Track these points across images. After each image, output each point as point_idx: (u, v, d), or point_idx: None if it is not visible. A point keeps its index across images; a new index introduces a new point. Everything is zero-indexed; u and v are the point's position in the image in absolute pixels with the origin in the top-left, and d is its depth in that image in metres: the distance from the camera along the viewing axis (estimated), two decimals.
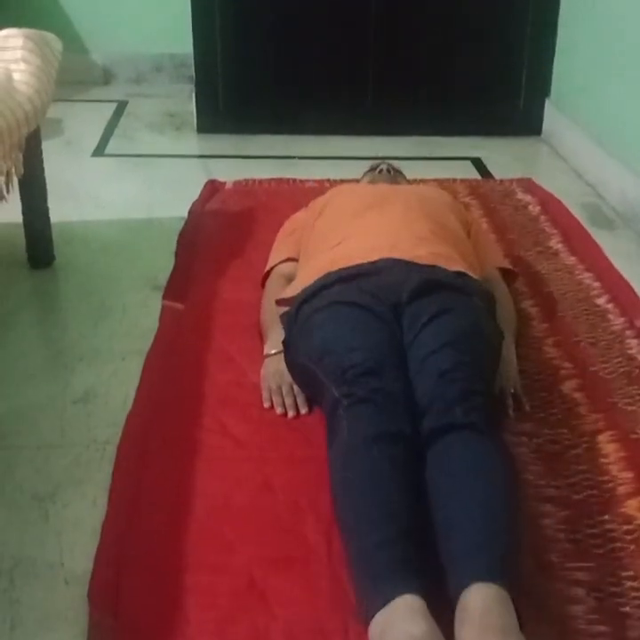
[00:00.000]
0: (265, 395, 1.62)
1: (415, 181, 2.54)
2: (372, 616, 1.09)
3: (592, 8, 2.85)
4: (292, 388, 1.61)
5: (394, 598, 1.08)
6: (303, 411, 1.59)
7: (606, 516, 1.37)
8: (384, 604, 1.09)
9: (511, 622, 1.07)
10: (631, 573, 1.26)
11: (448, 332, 1.46)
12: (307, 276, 1.68)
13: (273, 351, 1.68)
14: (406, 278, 1.55)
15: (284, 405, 1.59)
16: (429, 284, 1.54)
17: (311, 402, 1.60)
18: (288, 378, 1.63)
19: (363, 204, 1.85)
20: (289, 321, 1.63)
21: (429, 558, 1.18)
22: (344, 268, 1.62)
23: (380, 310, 1.50)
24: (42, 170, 2.12)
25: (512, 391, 1.61)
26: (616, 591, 1.23)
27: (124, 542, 1.30)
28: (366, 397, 1.35)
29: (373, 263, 1.61)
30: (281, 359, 1.65)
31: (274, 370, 1.65)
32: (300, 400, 1.60)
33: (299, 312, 1.60)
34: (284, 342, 1.63)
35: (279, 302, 1.74)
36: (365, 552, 1.18)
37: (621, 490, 1.42)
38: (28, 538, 1.33)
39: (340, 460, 1.31)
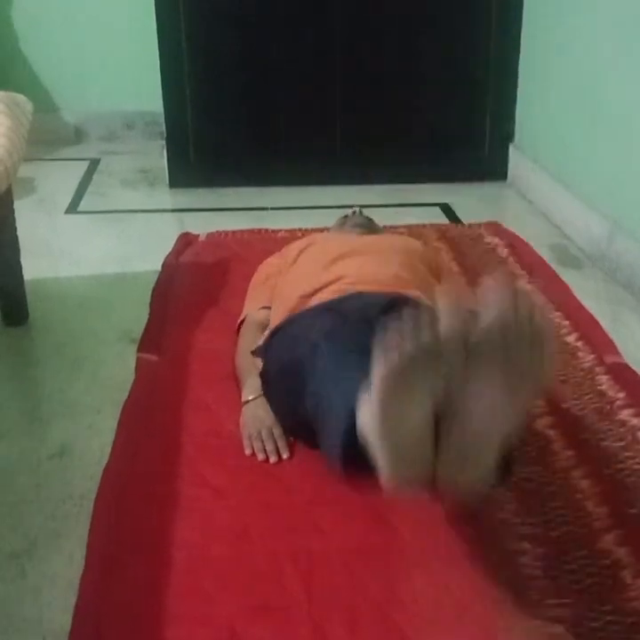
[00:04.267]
0: (246, 442, 1.62)
1: (386, 228, 2.59)
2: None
3: (552, 53, 2.94)
4: (273, 433, 1.62)
5: None
6: (285, 455, 1.59)
7: (583, 552, 1.37)
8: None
9: None
10: (610, 608, 1.27)
11: None
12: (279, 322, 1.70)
13: (250, 397, 1.70)
14: (375, 300, 1.57)
15: (265, 451, 1.60)
16: (399, 301, 1.56)
17: (292, 446, 1.61)
18: (267, 423, 1.63)
19: (335, 254, 1.88)
20: (264, 352, 1.65)
21: None
22: (316, 304, 1.65)
23: (354, 321, 1.51)
24: (14, 228, 2.14)
25: None
26: (596, 626, 1.24)
27: (103, 597, 1.29)
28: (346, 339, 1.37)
29: (342, 296, 1.64)
30: (259, 405, 1.66)
31: (253, 416, 1.66)
32: (281, 444, 1.60)
33: (273, 338, 1.62)
34: (261, 374, 1.65)
35: (254, 353, 1.76)
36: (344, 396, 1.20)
37: (597, 525, 1.43)
38: (5, 595, 1.32)
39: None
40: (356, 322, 1.50)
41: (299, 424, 1.55)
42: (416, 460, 1.10)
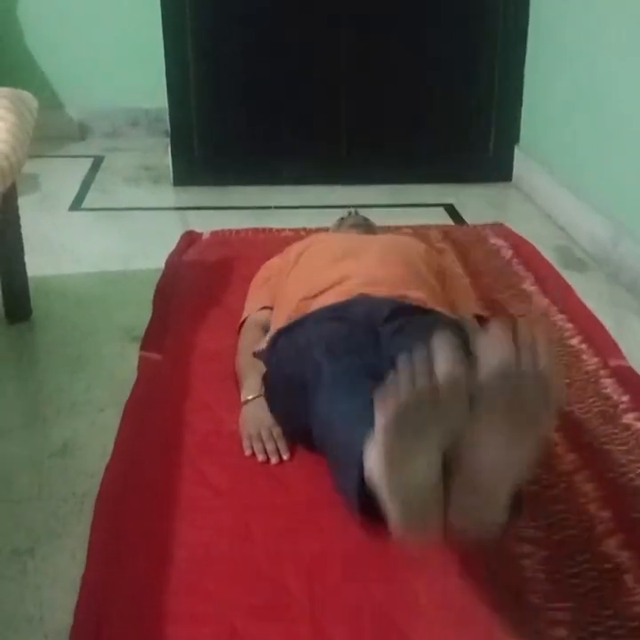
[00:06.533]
0: (245, 443, 1.62)
1: (390, 228, 2.58)
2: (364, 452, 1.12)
3: (557, 54, 2.93)
4: (273, 434, 1.62)
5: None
6: (285, 456, 1.59)
7: (586, 556, 1.37)
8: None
9: None
10: (612, 612, 1.26)
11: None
12: (282, 326, 1.69)
13: (250, 397, 1.69)
14: (380, 306, 1.59)
15: (265, 452, 1.60)
16: (403, 310, 1.58)
17: (292, 446, 1.61)
18: (267, 423, 1.63)
19: (338, 254, 1.88)
20: (267, 357, 1.65)
21: None
22: (320, 308, 1.65)
23: (359, 330, 1.53)
24: (18, 225, 2.14)
25: None
26: (598, 630, 1.24)
27: (104, 595, 1.29)
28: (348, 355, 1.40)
29: (348, 300, 1.65)
30: (258, 404, 1.66)
31: (252, 416, 1.66)
32: (282, 445, 1.60)
33: (277, 344, 1.62)
34: (263, 378, 1.64)
35: (256, 355, 1.75)
36: (350, 434, 1.19)
37: (600, 529, 1.43)
38: (6, 593, 1.32)
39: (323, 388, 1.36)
40: (358, 333, 1.50)
41: (299, 431, 1.55)
42: (426, 508, 1.08)
